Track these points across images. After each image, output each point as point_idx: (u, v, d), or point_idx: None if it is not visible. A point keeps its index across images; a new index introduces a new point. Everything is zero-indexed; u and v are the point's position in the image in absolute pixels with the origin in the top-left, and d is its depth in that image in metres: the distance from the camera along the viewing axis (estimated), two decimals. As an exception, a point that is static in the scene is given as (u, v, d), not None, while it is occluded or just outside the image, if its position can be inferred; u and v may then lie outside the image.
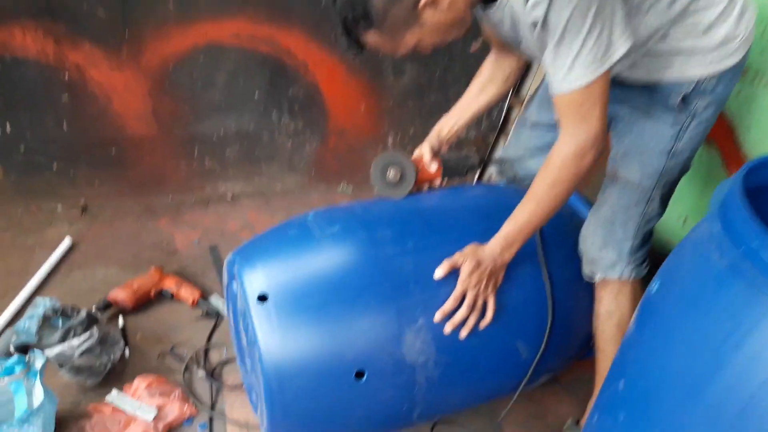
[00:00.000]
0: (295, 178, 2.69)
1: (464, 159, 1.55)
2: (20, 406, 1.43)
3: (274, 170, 2.64)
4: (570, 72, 1.10)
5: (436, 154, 1.53)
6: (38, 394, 1.44)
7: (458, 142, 2.71)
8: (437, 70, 2.54)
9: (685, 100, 1.26)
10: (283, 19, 2.26)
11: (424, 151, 1.51)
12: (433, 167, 1.50)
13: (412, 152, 1.55)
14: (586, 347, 1.60)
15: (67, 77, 2.17)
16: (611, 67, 1.10)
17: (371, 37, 1.14)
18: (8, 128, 2.21)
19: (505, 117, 2.60)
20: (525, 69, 1.52)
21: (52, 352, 1.60)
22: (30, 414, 1.36)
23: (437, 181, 1.54)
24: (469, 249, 1.29)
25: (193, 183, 2.57)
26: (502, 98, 1.59)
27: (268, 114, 2.48)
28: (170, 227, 2.41)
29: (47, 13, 2.02)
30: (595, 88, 1.11)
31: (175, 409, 1.60)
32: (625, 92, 1.35)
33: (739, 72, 1.29)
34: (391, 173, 1.45)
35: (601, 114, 1.15)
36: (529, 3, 1.07)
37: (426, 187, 1.54)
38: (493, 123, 2.76)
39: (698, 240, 1.00)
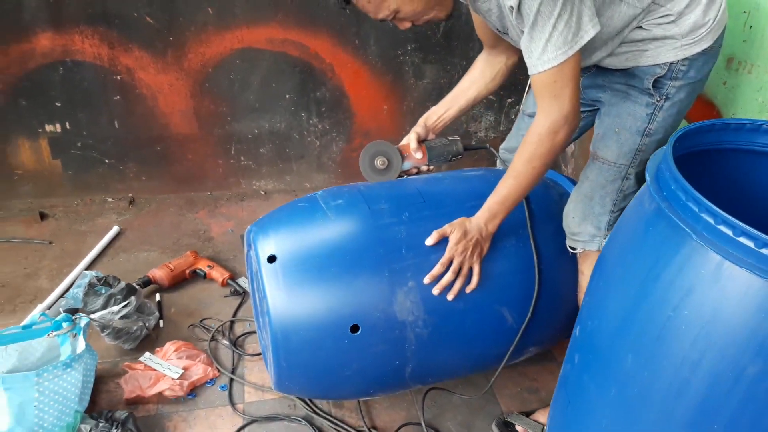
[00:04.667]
0: (323, 177, 2.88)
1: (449, 145, 1.65)
2: (65, 353, 1.63)
3: (304, 169, 2.84)
4: (543, 53, 1.21)
5: (422, 141, 1.63)
6: (81, 346, 1.63)
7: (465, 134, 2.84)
8: (455, 73, 2.70)
9: (659, 82, 1.37)
10: (311, 24, 2.47)
11: (410, 139, 1.62)
12: (419, 155, 1.61)
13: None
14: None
15: (119, 79, 2.42)
16: (580, 49, 1.22)
17: None
18: (67, 126, 2.48)
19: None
20: (514, 69, 1.63)
21: (95, 315, 1.81)
22: (73, 359, 1.55)
23: (423, 167, 1.65)
24: (457, 221, 1.42)
25: (229, 180, 2.79)
26: (489, 95, 1.70)
27: (298, 115, 2.68)
28: (208, 218, 2.63)
29: (102, 20, 2.28)
30: (566, 68, 1.22)
31: (199, 371, 1.78)
32: (607, 78, 1.47)
33: (711, 58, 1.38)
34: (378, 161, 1.59)
35: (572, 93, 1.26)
36: None
37: (414, 172, 1.66)
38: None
39: (638, 196, 1.11)
